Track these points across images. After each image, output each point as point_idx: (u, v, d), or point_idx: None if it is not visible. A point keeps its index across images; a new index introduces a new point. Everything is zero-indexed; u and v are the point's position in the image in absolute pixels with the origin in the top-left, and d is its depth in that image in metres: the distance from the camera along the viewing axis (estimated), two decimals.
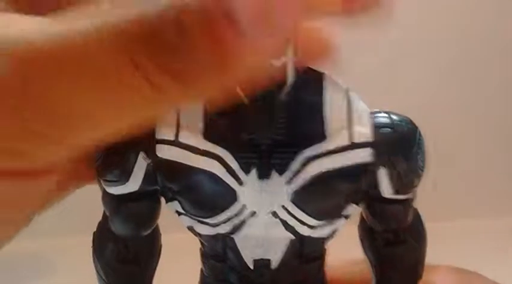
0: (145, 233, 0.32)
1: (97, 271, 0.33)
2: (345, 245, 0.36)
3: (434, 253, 0.37)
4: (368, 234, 0.34)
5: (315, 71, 0.31)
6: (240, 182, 0.29)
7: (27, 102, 0.22)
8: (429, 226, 0.35)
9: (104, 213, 0.33)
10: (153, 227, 0.32)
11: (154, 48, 0.21)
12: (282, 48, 0.26)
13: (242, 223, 0.30)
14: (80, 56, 0.22)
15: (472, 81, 0.92)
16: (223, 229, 0.31)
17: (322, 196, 0.30)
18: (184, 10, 0.21)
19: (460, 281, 0.39)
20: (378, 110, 0.31)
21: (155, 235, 0.33)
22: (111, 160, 0.30)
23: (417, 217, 0.34)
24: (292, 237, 0.31)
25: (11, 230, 0.28)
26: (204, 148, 0.29)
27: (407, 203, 0.32)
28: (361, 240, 0.34)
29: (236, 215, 0.30)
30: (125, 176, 0.30)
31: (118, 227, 0.32)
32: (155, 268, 0.34)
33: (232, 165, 0.29)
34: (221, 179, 0.29)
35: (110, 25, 0.21)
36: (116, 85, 0.22)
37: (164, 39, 0.21)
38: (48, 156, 0.25)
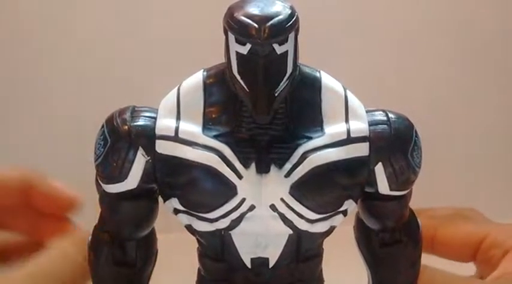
0: (143, 234, 0.32)
1: (92, 276, 0.33)
2: (342, 247, 0.36)
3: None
4: (364, 235, 0.34)
5: (311, 69, 0.31)
6: (239, 176, 0.29)
7: None
8: None
9: (100, 217, 0.33)
10: (150, 228, 0.32)
11: None
12: None
13: (240, 217, 0.30)
14: None
15: (474, 77, 0.91)
16: (222, 224, 0.31)
17: (320, 189, 0.30)
18: None
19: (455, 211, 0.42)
20: (374, 108, 0.32)
21: (151, 239, 0.33)
22: (111, 157, 0.30)
23: (413, 217, 0.34)
24: (290, 232, 0.31)
25: None
26: (204, 144, 0.30)
27: (403, 200, 0.32)
28: (357, 241, 0.34)
29: (235, 209, 0.30)
30: (124, 173, 0.30)
31: (116, 228, 0.32)
32: (151, 273, 0.34)
33: (231, 160, 0.29)
34: (221, 173, 0.29)
35: None
36: None
37: None
38: None
